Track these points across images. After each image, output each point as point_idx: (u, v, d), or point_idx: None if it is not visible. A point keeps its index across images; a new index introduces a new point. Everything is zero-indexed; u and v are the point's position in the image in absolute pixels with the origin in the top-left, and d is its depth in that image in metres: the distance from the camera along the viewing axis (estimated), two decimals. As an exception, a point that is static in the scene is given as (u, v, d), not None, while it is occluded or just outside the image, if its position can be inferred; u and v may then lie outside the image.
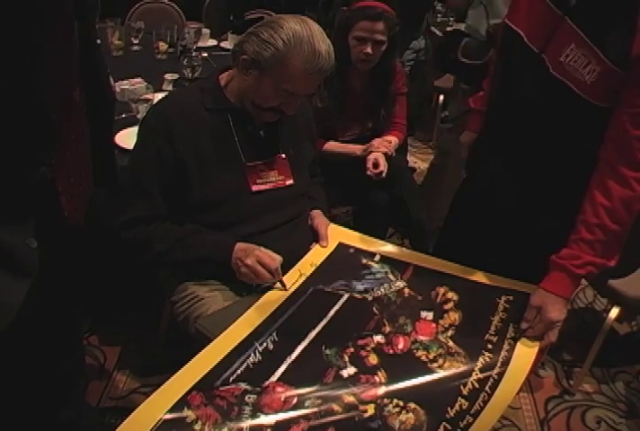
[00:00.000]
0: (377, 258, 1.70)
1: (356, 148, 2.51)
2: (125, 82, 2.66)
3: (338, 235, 1.81)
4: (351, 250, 1.74)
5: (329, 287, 1.58)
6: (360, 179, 2.42)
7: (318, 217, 1.86)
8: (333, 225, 1.85)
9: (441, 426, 1.20)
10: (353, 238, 1.81)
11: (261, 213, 1.66)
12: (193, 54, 2.99)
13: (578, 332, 2.58)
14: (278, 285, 1.55)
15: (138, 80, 2.70)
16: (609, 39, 1.29)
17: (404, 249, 1.80)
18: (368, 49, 2.30)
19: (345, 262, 1.70)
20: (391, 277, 1.63)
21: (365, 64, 2.37)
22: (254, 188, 1.65)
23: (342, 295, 1.55)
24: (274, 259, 1.52)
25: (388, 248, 1.78)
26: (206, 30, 3.71)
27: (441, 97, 4.33)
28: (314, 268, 1.66)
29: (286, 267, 1.59)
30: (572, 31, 1.34)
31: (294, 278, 1.60)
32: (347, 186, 2.47)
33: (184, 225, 1.61)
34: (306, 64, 1.46)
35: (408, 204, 2.53)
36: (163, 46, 3.31)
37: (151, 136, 1.57)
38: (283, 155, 1.73)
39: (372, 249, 1.75)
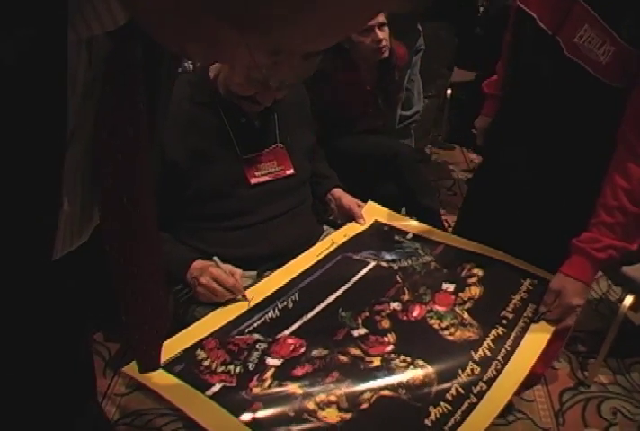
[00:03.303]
0: (409, 236, 1.73)
1: None
2: None
3: (374, 213, 1.84)
4: (386, 228, 1.78)
5: (358, 255, 1.62)
6: (366, 172, 2.45)
7: (345, 196, 1.88)
8: (371, 203, 1.89)
9: (453, 388, 1.20)
10: (389, 217, 1.84)
11: (261, 204, 1.64)
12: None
13: (592, 323, 2.56)
14: (240, 298, 1.45)
15: None
16: (623, 19, 1.29)
17: (437, 230, 1.81)
18: (380, 35, 2.28)
19: (378, 237, 1.74)
20: (420, 252, 1.66)
21: (381, 51, 2.34)
22: (253, 180, 1.63)
23: (368, 263, 1.59)
24: (233, 274, 1.46)
25: (423, 228, 1.81)
26: None
27: (449, 91, 4.20)
28: (346, 239, 1.70)
29: (292, 253, 1.60)
30: (585, 12, 1.33)
31: (326, 246, 1.65)
32: (353, 180, 2.41)
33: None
34: None
35: (418, 194, 2.52)
36: None
37: None
38: (281, 145, 1.69)
39: (407, 228, 1.78)
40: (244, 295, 1.43)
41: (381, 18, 2.29)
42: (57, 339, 0.97)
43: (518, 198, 1.65)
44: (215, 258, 1.49)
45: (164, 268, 0.96)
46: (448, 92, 4.19)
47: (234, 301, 1.43)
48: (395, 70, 2.53)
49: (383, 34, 2.30)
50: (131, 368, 1.18)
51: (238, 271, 1.48)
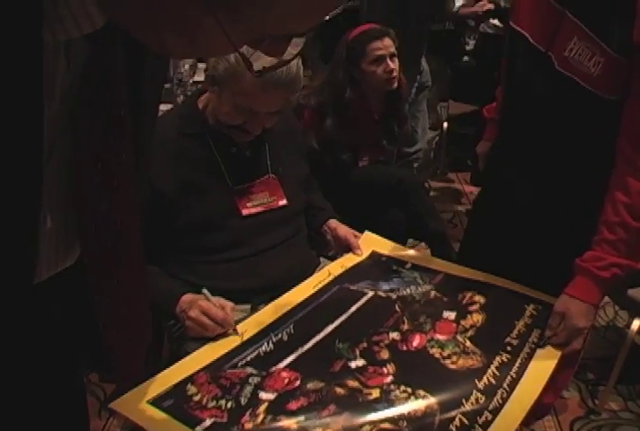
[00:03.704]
0: (408, 265, 1.69)
1: None
2: None
3: (372, 243, 1.80)
4: (384, 258, 1.74)
5: (355, 286, 1.58)
6: (370, 200, 2.45)
7: (340, 227, 1.84)
8: (367, 233, 1.85)
9: (457, 418, 1.14)
10: (387, 246, 1.80)
11: (254, 235, 1.60)
12: (189, 88, 2.98)
13: (600, 350, 2.50)
14: (231, 332, 1.38)
15: None
16: (610, 29, 1.28)
17: (436, 259, 1.77)
18: (391, 65, 2.33)
19: (376, 267, 1.70)
20: (420, 281, 1.61)
21: (392, 81, 2.39)
22: (245, 211, 1.59)
23: (366, 293, 1.54)
24: (224, 307, 1.41)
25: (421, 257, 1.78)
26: (201, 65, 3.69)
27: (445, 124, 4.21)
28: (343, 270, 1.66)
29: (286, 286, 1.55)
30: (573, 25, 1.33)
31: (322, 277, 1.61)
32: (358, 208, 2.43)
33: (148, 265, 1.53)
34: (258, 77, 1.39)
35: (425, 218, 2.51)
36: None
37: None
38: (273, 175, 1.66)
39: (405, 257, 1.73)
40: (235, 330, 1.37)
41: (392, 49, 2.35)
42: (44, 374, 0.93)
43: (519, 221, 1.61)
44: (204, 290, 1.44)
45: (146, 281, 0.93)
46: (445, 125, 4.21)
47: (225, 335, 1.37)
48: (404, 101, 2.56)
49: (393, 64, 2.35)
50: (119, 403, 1.16)
51: (229, 304, 1.43)
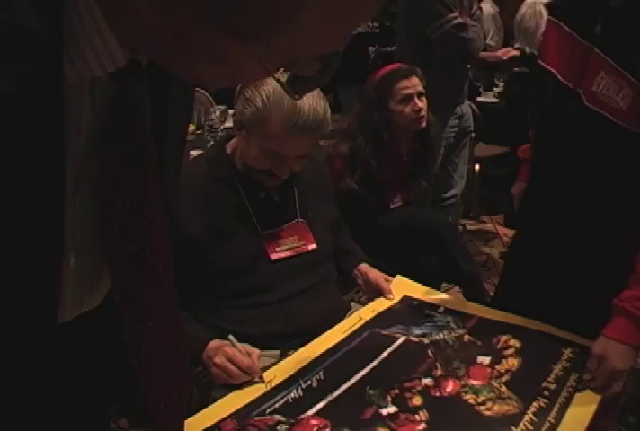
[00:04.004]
0: (441, 309, 1.66)
1: None
2: None
3: (403, 287, 1.77)
4: (416, 303, 1.71)
5: (386, 331, 1.55)
6: (405, 243, 2.44)
7: (371, 271, 1.82)
8: (399, 277, 1.82)
9: None
10: (419, 290, 1.77)
11: (283, 280, 1.58)
12: (220, 134, 3.01)
13: None
14: (257, 379, 1.35)
15: None
16: (637, 60, 1.27)
17: (470, 302, 1.74)
18: (420, 104, 2.34)
19: (407, 311, 1.67)
20: (453, 325, 1.57)
21: (421, 121, 2.39)
22: (274, 256, 1.58)
23: (398, 338, 1.51)
24: (250, 354, 1.38)
25: (454, 301, 1.74)
26: (232, 111, 3.78)
27: (477, 166, 4.19)
28: (374, 314, 1.63)
29: (316, 331, 1.53)
30: (600, 59, 1.33)
31: (353, 322, 1.58)
32: (391, 252, 2.44)
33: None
34: (285, 121, 1.39)
35: (459, 262, 2.48)
36: (190, 127, 3.38)
37: None
38: (302, 220, 1.65)
39: (437, 301, 1.70)
40: (261, 377, 1.34)
41: (420, 87, 2.36)
42: (70, 422, 0.89)
43: (556, 264, 1.57)
44: (230, 336, 1.43)
45: (182, 323, 0.91)
46: (477, 167, 4.19)
47: (251, 383, 1.34)
48: (433, 141, 2.56)
49: (422, 104, 2.35)
50: None
51: (256, 351, 1.41)
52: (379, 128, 2.37)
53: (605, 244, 1.48)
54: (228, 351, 1.37)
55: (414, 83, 2.36)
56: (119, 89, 0.63)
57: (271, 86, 1.41)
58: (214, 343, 1.42)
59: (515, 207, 1.91)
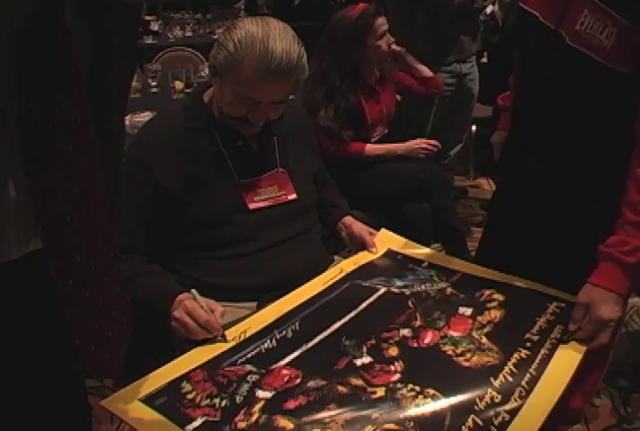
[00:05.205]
0: (425, 264, 1.60)
1: (397, 147, 2.60)
2: (136, 115, 2.69)
3: (388, 241, 1.72)
4: (399, 257, 1.65)
5: (367, 282, 1.50)
6: (393, 192, 2.51)
7: (355, 224, 1.77)
8: (384, 231, 1.77)
9: (470, 419, 1.04)
10: (404, 245, 1.71)
11: (262, 230, 1.54)
12: None
13: (633, 356, 2.33)
14: (219, 338, 1.30)
15: (147, 113, 2.70)
16: None
17: (455, 259, 1.68)
18: (392, 38, 2.55)
19: (390, 265, 1.62)
20: (436, 278, 1.52)
21: (391, 54, 2.64)
22: (252, 206, 1.54)
23: (378, 289, 1.47)
24: (213, 310, 1.32)
25: (439, 256, 1.70)
26: None
27: (474, 127, 4.11)
28: (356, 267, 1.59)
29: (295, 284, 1.48)
30: None
31: (334, 274, 1.54)
32: (379, 203, 2.52)
33: (152, 263, 1.49)
34: (258, 65, 1.35)
35: (448, 213, 2.56)
36: (179, 85, 3.31)
37: (131, 167, 1.48)
38: (282, 169, 1.60)
39: (422, 256, 1.65)
40: (223, 335, 1.28)
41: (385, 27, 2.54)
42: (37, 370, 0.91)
43: (539, 212, 1.51)
44: (193, 290, 1.37)
45: (117, 262, 0.87)
46: (473, 128, 4.11)
47: (214, 341, 1.28)
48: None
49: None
50: (110, 401, 1.11)
51: (220, 309, 1.35)
52: (357, 63, 2.48)
53: (590, 189, 1.42)
54: (188, 305, 1.32)
55: (385, 21, 2.54)
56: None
57: (243, 30, 1.37)
58: (180, 296, 1.37)
59: (495, 157, 1.84)
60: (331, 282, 1.51)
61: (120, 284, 0.88)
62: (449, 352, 1.22)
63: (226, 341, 1.27)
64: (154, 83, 3.54)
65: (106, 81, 0.74)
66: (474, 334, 1.28)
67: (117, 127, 0.86)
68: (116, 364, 0.91)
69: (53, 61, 0.62)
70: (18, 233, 0.73)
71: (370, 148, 2.54)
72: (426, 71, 2.79)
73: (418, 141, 2.62)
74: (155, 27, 5.59)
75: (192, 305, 1.32)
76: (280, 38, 1.37)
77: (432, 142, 2.64)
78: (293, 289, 1.47)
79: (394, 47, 2.62)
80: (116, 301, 0.87)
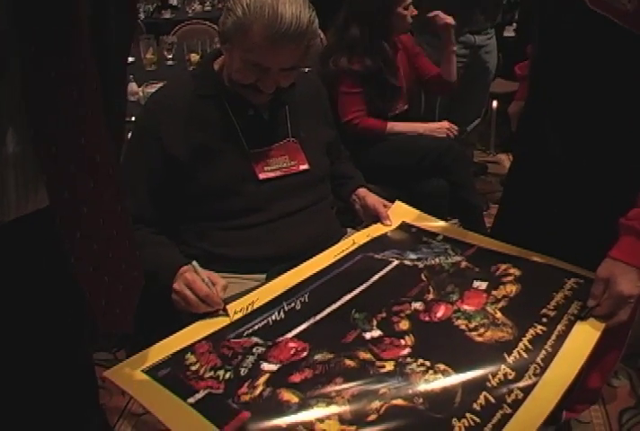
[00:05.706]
0: (439, 237, 1.55)
1: (419, 126, 2.55)
2: (149, 86, 2.66)
3: (402, 214, 1.67)
4: (414, 229, 1.61)
5: (379, 255, 1.46)
6: (410, 165, 2.47)
7: (369, 195, 1.73)
8: (398, 203, 1.72)
9: (482, 396, 1.01)
10: (418, 217, 1.67)
11: (272, 201, 1.51)
12: None
13: None
14: (221, 312, 1.26)
15: (161, 84, 2.64)
16: None
17: (470, 232, 1.63)
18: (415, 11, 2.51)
19: (404, 237, 1.58)
20: (450, 252, 1.47)
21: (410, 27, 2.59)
22: (262, 175, 1.50)
23: (391, 262, 1.43)
24: (215, 284, 1.28)
25: (454, 230, 1.65)
26: None
27: (495, 103, 4.00)
28: (369, 239, 1.55)
29: (306, 255, 1.45)
30: None
31: (346, 246, 1.50)
32: (395, 176, 2.49)
33: (160, 234, 1.46)
34: (266, 29, 1.31)
35: (467, 189, 2.54)
36: (194, 57, 3.25)
37: (139, 135, 1.47)
38: (293, 139, 1.56)
39: (436, 229, 1.60)
40: (225, 309, 1.25)
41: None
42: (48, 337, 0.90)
43: (558, 188, 1.45)
44: (193, 262, 1.33)
45: (128, 217, 0.86)
46: (494, 104, 4.01)
47: (216, 315, 1.25)
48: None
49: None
50: (113, 372, 1.09)
51: (221, 282, 1.31)
52: (388, 31, 2.46)
53: (610, 162, 1.34)
54: (188, 277, 1.29)
55: None
56: None
57: None
58: (183, 268, 1.33)
59: (512, 128, 1.77)
60: (342, 254, 1.47)
61: (130, 238, 0.87)
62: (462, 326, 1.18)
63: (227, 315, 1.24)
64: (169, 56, 3.50)
65: (106, 31, 0.71)
66: (488, 308, 1.24)
67: (120, 77, 0.84)
68: (127, 318, 0.89)
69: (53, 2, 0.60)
70: (17, 188, 0.72)
71: (392, 125, 2.49)
72: (453, 73, 2.72)
73: (444, 123, 2.59)
74: (174, 2, 5.53)
75: (193, 278, 1.29)
76: (289, 2, 1.32)
77: (455, 127, 2.60)
78: (303, 261, 1.43)
79: (446, 19, 2.60)
80: (126, 255, 0.86)
